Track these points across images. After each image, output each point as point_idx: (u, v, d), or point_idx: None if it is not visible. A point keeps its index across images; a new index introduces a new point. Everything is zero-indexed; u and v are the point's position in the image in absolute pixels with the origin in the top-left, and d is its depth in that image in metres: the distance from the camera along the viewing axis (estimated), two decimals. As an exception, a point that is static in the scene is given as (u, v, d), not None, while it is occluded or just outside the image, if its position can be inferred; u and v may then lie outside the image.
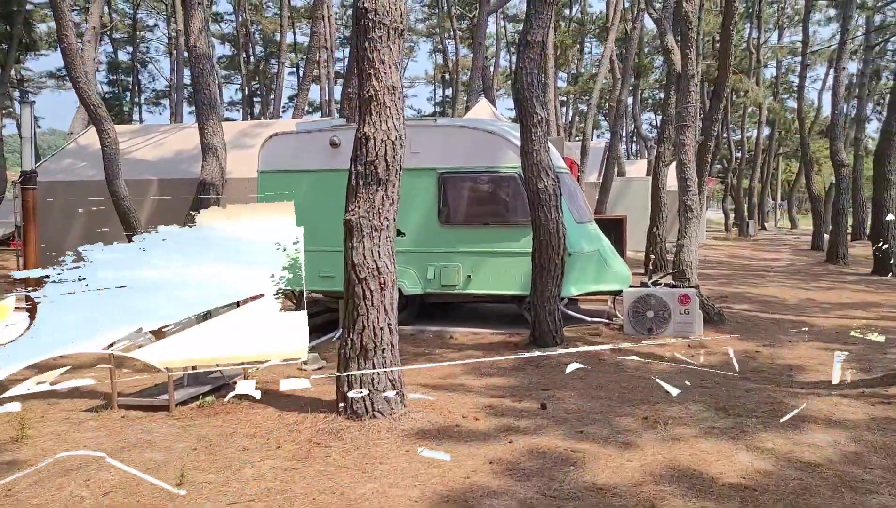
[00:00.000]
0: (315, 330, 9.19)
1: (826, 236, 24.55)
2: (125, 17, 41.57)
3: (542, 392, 6.05)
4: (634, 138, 47.94)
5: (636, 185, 21.90)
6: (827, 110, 33.47)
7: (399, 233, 8.28)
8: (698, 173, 12.88)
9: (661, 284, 8.80)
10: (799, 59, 43.13)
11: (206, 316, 3.52)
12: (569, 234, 8.12)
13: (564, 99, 37.94)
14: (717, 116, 11.75)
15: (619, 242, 13.97)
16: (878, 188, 15.13)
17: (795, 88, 45.15)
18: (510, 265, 8.29)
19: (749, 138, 41.05)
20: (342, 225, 5.42)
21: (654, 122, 53.49)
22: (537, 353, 7.45)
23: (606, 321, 8.75)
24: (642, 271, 15.93)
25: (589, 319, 8.59)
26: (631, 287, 8.76)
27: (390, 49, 5.20)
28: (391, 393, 5.29)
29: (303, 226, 8.42)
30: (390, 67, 5.20)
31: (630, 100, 30.04)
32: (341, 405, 5.32)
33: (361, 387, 5.24)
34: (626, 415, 5.33)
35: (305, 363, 7.38)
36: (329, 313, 9.66)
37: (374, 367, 5.26)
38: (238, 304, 3.59)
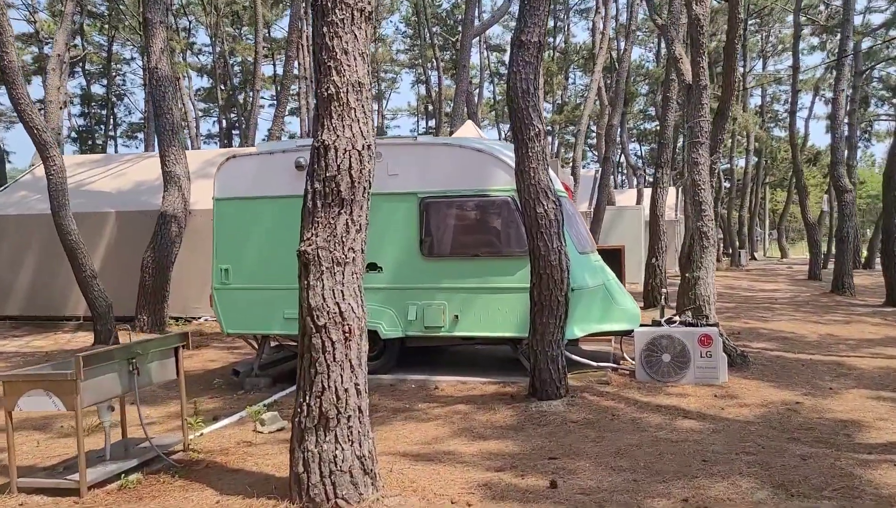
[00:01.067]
0: (280, 380, 7.99)
1: (822, 266, 23.81)
2: (100, 50, 40.60)
3: (550, 461, 4.88)
4: (622, 168, 47.34)
5: (629, 214, 20.97)
6: (813, 139, 33.00)
7: (374, 267, 7.16)
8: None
9: (675, 322, 7.70)
10: (784, 87, 43.05)
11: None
12: (570, 266, 7.02)
13: (550, 129, 37.23)
14: (722, 137, 10.77)
15: (618, 274, 12.95)
16: (889, 213, 14.22)
17: (781, 117, 45.02)
18: (504, 303, 7.16)
19: (737, 167, 40.52)
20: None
21: (638, 152, 53.09)
22: (538, 406, 6.29)
23: (614, 366, 7.61)
24: (642, 304, 14.91)
25: (595, 364, 7.46)
26: (642, 326, 7.65)
27: (355, 35, 4.12)
28: (359, 473, 4.11)
29: (265, 260, 7.25)
30: (355, 58, 4.12)
31: (618, 131, 29.31)
32: (295, 489, 4.13)
33: (321, 466, 4.06)
34: (660, 496, 4.17)
35: (262, 423, 6.18)
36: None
37: (336, 440, 4.08)
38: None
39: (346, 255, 4.12)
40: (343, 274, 4.12)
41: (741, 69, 33.15)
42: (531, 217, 6.22)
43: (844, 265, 17.17)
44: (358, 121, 4.12)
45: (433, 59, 35.04)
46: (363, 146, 4.14)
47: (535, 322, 6.39)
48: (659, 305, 7.90)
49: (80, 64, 36.63)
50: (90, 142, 38.66)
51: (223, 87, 38.74)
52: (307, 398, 4.11)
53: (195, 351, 10.36)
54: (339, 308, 4.09)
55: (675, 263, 25.66)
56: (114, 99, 43.97)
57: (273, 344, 8.56)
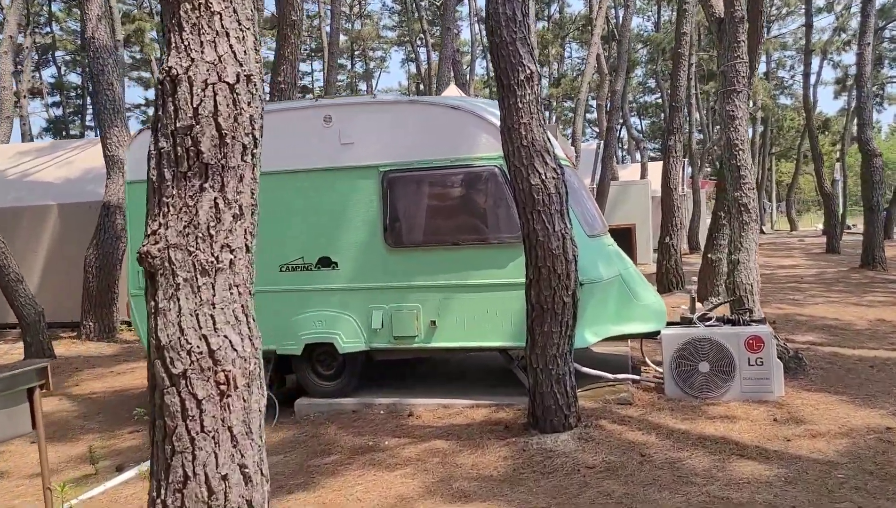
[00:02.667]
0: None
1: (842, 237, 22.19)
2: (74, 36, 38.70)
3: (559, 546, 3.31)
4: (622, 142, 45.56)
5: (635, 189, 19.33)
6: (821, 106, 31.36)
7: (328, 263, 5.57)
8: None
9: (711, 318, 6.10)
10: (789, 53, 41.21)
11: None
12: (579, 255, 5.41)
13: (548, 103, 35.45)
14: (748, 91, 9.09)
15: (628, 256, 11.38)
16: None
17: (787, 84, 43.20)
18: (493, 304, 5.57)
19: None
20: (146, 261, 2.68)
21: (639, 127, 51.28)
22: (541, 442, 4.71)
23: (635, 377, 6.02)
24: (655, 288, 13.28)
25: (611, 376, 5.87)
26: (670, 325, 6.06)
27: None
28: None
29: None
30: (220, -68, 2.49)
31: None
32: None
33: None
34: None
35: (118, 469, 4.67)
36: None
37: (213, 558, 2.50)
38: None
39: (216, 258, 2.52)
40: (213, 288, 2.52)
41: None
42: (524, 190, 4.60)
43: (875, 237, 15.54)
44: (228, 34, 2.50)
45: (422, 34, 33.21)
46: (238, 77, 2.52)
47: (533, 331, 4.79)
48: (689, 296, 6.32)
49: (51, 51, 34.78)
50: (64, 133, 36.90)
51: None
52: (162, 492, 2.52)
53: (132, 366, 8.77)
54: (208, 344, 2.49)
55: (684, 240, 24.12)
56: (89, 87, 42.16)
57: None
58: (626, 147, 40.92)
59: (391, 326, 5.73)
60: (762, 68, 40.22)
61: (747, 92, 6.21)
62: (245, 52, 2.55)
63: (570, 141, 17.88)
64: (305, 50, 44.27)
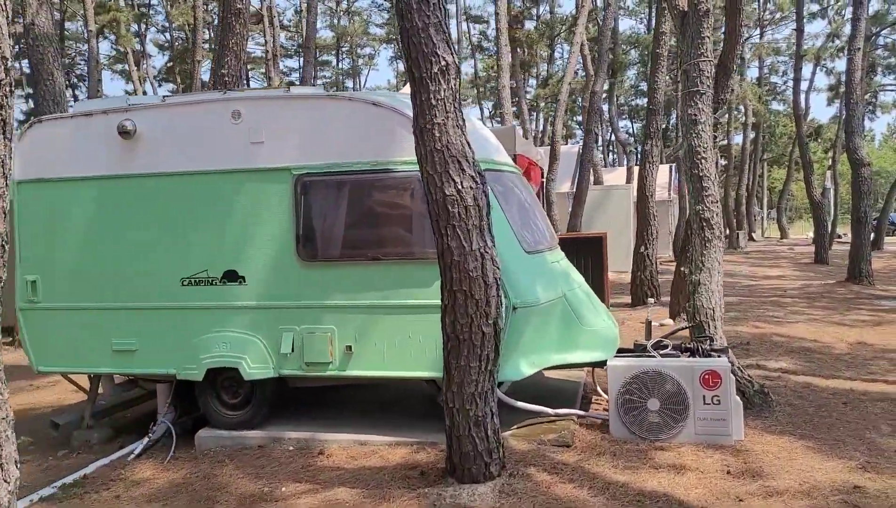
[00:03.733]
0: (127, 430, 5.79)
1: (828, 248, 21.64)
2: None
3: None
4: (612, 146, 44.96)
5: (617, 195, 18.70)
6: (814, 112, 30.90)
7: (234, 277, 4.90)
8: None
9: (667, 347, 5.45)
10: (782, 58, 40.60)
11: None
12: (512, 274, 4.75)
13: (534, 104, 34.74)
14: (725, 97, 8.47)
15: (598, 267, 10.72)
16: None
17: (780, 89, 42.63)
18: (418, 327, 4.89)
19: (735, 144, 38.17)
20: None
21: (630, 130, 50.72)
22: (455, 495, 4.04)
23: (579, 413, 5.34)
24: (629, 301, 12.67)
25: (552, 412, 5.19)
26: (620, 353, 5.39)
27: None
28: None
29: (83, 269, 4.92)
30: None
31: (605, 106, 26.93)
32: None
33: None
34: None
35: None
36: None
37: None
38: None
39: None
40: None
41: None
42: (437, 201, 3.93)
43: (862, 249, 14.93)
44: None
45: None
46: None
47: (449, 365, 4.11)
48: (645, 320, 5.66)
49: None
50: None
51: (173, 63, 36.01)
52: None
53: (56, 379, 8.05)
54: None
55: (669, 248, 23.51)
56: (74, 80, 41.31)
57: (119, 379, 6.28)
58: (616, 150, 40.33)
59: (302, 351, 5.05)
60: (754, 73, 39.69)
61: (711, 93, 5.55)
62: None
63: (550, 143, 17.23)
64: (292, 46, 43.53)
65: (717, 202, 5.59)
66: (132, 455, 5.27)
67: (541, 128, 37.67)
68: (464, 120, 3.99)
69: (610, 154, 46.65)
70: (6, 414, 2.02)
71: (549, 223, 6.05)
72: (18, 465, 2.08)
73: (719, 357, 5.30)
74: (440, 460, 4.58)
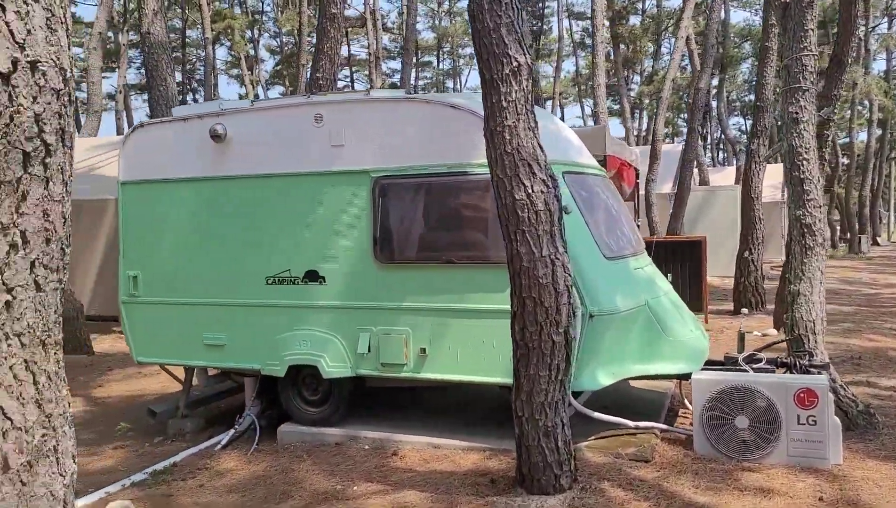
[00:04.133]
0: (218, 421, 6.04)
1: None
2: (175, 33, 40.23)
3: None
4: (722, 145, 43.02)
5: (723, 196, 17.84)
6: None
7: (315, 276, 5.00)
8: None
9: (761, 360, 5.12)
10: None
11: None
12: (590, 281, 4.59)
13: (637, 102, 33.76)
14: (838, 92, 7.90)
15: (696, 272, 10.26)
16: None
17: (911, 82, 39.41)
18: (491, 332, 4.82)
19: (858, 141, 35.66)
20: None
21: (743, 127, 48.43)
22: (524, 506, 3.95)
23: (662, 427, 5.10)
24: (731, 308, 12.04)
25: (632, 424, 4.98)
26: (707, 366, 5.12)
27: None
28: None
29: (179, 265, 5.20)
30: None
31: (714, 102, 25.80)
32: None
33: None
34: None
35: None
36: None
37: None
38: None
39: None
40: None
41: (861, 27, 28.65)
42: (507, 206, 3.85)
43: None
44: (3, 7, 1.91)
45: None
46: (16, 64, 1.93)
47: (518, 374, 4.03)
48: (738, 331, 5.33)
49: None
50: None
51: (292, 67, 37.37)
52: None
53: (119, 372, 8.49)
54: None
55: (781, 252, 22.24)
56: (194, 84, 43.75)
57: (212, 372, 6.56)
58: (725, 149, 38.57)
59: (378, 352, 5.09)
60: (881, 66, 36.93)
61: (815, 90, 5.16)
62: (29, 31, 1.95)
63: (651, 142, 16.66)
64: (395, 48, 44.29)
65: (819, 207, 5.20)
66: (219, 446, 5.48)
67: (643, 126, 36.58)
68: (536, 122, 3.88)
69: (720, 152, 44.71)
70: (64, 410, 2.12)
71: (634, 227, 5.83)
72: (76, 460, 2.18)
73: (818, 373, 4.95)
74: (511, 468, 4.49)
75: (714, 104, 25.71)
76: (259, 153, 5.40)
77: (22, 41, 1.93)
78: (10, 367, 1.99)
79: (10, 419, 1.97)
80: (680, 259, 10.24)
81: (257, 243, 5.44)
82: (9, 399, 1.97)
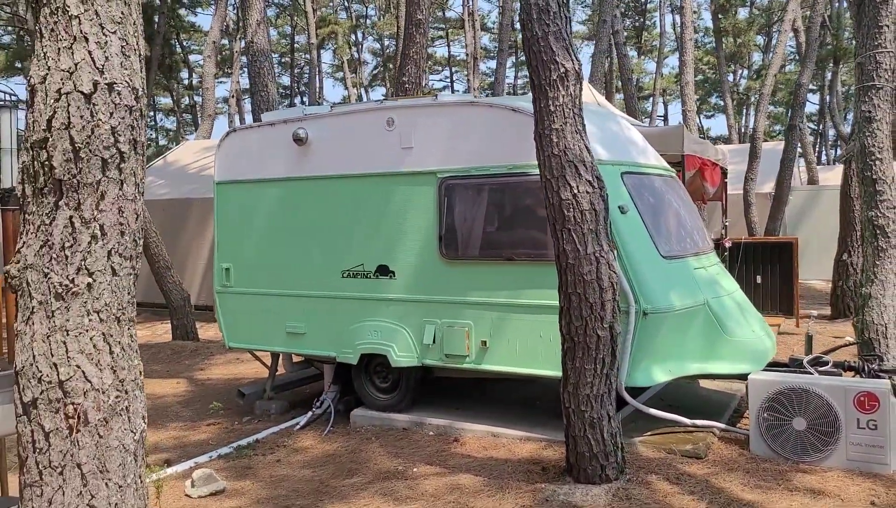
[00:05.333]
0: (301, 403, 6.51)
1: None
2: (285, 39, 42.15)
3: None
4: (837, 142, 40.59)
5: (828, 195, 16.98)
6: None
7: (385, 271, 5.36)
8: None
9: (827, 363, 5.04)
10: None
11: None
12: (644, 279, 4.70)
13: (745, 97, 32.45)
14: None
15: (789, 273, 9.94)
16: None
17: None
18: (548, 327, 4.99)
19: None
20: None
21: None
22: (569, 493, 4.13)
23: (722, 426, 5.11)
24: (828, 312, 11.49)
25: (688, 422, 5.02)
26: (772, 367, 5.09)
27: None
28: None
29: (265, 258, 5.73)
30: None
31: (828, 97, 24.47)
32: None
33: None
34: None
35: (192, 483, 4.64)
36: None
37: None
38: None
39: (71, 281, 2.36)
40: (67, 313, 2.36)
41: None
42: (554, 205, 4.03)
43: None
44: (87, 39, 2.32)
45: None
46: (96, 85, 2.33)
47: (565, 366, 4.20)
48: (806, 333, 5.24)
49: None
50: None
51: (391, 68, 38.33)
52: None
53: (260, 354, 9.14)
54: (58, 373, 2.34)
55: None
56: (303, 88, 45.64)
57: (297, 359, 7.04)
58: (839, 145, 36.37)
59: (442, 343, 5.37)
60: None
61: (889, 88, 5.00)
62: (107, 58, 2.35)
63: (751, 140, 16.09)
64: (495, 48, 44.47)
65: (893, 208, 5.04)
66: (298, 426, 5.92)
67: (750, 123, 35.07)
68: (584, 125, 4.04)
69: (837, 150, 42.18)
70: (135, 377, 2.51)
71: (701, 227, 5.83)
72: (146, 420, 2.57)
73: (891, 378, 4.82)
74: (564, 459, 4.66)
75: (828, 98, 24.36)
76: (336, 155, 5.80)
77: (101, 66, 2.32)
78: (91, 338, 2.39)
79: (89, 381, 2.38)
80: (770, 260, 9.97)
81: (334, 239, 5.84)
82: (89, 364, 2.37)
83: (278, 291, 6.13)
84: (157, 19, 24.40)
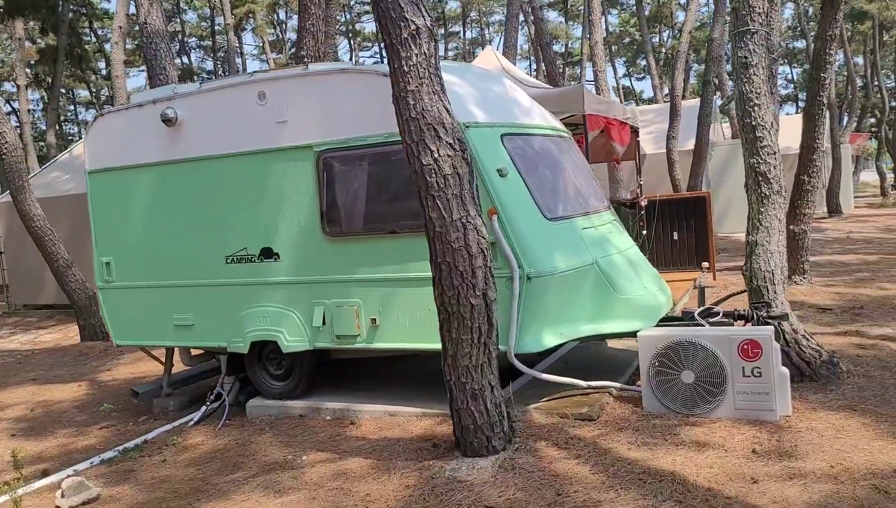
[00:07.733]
0: (200, 398, 6.22)
1: None
2: (207, 22, 40.77)
3: None
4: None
5: (747, 149, 17.27)
6: None
7: (269, 253, 5.11)
8: (809, 123, 8.72)
9: (718, 314, 5.02)
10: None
11: None
12: (527, 242, 4.56)
13: (669, 58, 32.76)
14: (832, 32, 7.60)
15: (704, 229, 10.02)
16: None
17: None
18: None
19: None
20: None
21: (790, 76, 46.71)
22: (456, 468, 3.99)
23: (619, 386, 5.04)
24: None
25: (584, 384, 4.93)
26: (666, 322, 5.04)
27: None
28: None
29: (144, 249, 5.36)
30: None
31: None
32: None
33: None
34: None
35: (62, 494, 4.35)
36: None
37: None
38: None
39: None
40: None
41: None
42: (417, 172, 3.84)
43: None
44: None
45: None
46: None
47: (443, 338, 4.04)
48: (697, 282, 5.20)
49: (179, 39, 36.79)
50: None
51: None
52: None
53: (129, 356, 8.76)
54: None
55: (823, 204, 21.43)
56: (227, 72, 44.32)
57: (195, 352, 6.74)
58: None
59: (332, 324, 5.16)
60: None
61: (764, 32, 4.93)
62: None
63: (670, 99, 16.19)
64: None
65: (774, 154, 5.01)
66: (191, 423, 5.66)
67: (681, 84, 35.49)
68: (442, 85, 3.84)
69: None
70: None
71: (594, 186, 5.72)
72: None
73: (779, 324, 4.83)
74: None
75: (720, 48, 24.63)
76: (209, 134, 5.49)
77: None
78: None
79: None
80: (686, 216, 10.02)
81: (215, 224, 5.55)
82: None
83: (162, 283, 5.81)
84: (60, 6, 23.19)
